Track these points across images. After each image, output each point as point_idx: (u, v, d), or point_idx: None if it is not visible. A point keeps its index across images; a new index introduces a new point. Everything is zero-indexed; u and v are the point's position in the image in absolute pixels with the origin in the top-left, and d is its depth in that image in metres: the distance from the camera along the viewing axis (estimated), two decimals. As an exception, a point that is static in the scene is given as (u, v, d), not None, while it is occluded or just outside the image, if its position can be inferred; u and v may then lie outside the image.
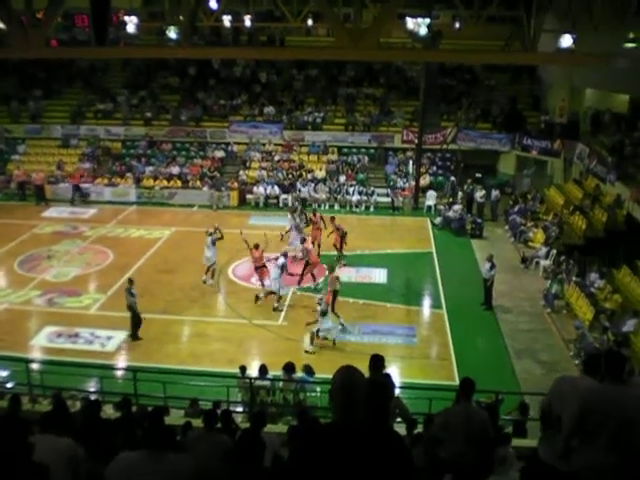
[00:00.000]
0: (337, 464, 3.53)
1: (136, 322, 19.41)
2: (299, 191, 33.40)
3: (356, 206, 32.86)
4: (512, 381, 17.27)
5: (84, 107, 38.18)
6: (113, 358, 18.48)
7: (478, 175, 33.12)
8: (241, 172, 34.59)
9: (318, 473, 3.57)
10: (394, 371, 17.68)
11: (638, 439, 5.17)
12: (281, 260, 21.65)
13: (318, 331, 19.14)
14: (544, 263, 24.83)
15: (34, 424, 6.09)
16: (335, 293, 20.66)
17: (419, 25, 22.45)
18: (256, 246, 21.99)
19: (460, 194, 31.66)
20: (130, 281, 19.70)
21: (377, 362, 8.05)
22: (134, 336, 19.45)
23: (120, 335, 19.61)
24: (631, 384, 5.53)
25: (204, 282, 23.04)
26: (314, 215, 26.99)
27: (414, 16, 26.19)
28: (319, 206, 32.78)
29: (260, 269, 22.22)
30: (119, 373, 17.49)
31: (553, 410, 5.89)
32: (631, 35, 21.30)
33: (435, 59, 28.31)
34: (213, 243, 22.94)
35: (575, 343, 19.00)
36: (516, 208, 30.43)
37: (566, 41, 16.23)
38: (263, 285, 22.23)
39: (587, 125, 33.09)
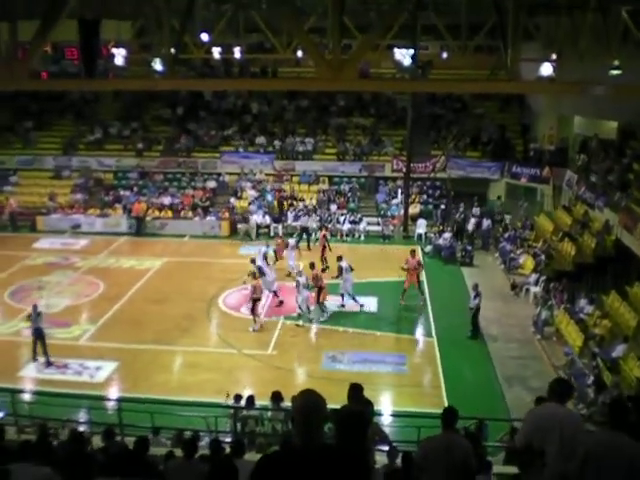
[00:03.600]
0: None
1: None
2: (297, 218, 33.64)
3: (347, 235, 32.95)
4: (502, 408, 17.21)
5: (76, 138, 38.42)
6: (102, 389, 18.39)
7: (476, 206, 33.21)
8: (232, 200, 34.75)
9: None
10: (384, 399, 17.71)
11: None
12: (302, 279, 22.48)
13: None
14: (534, 290, 24.89)
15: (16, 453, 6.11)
16: (320, 289, 22.15)
17: (404, 56, 22.74)
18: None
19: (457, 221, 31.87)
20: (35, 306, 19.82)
21: (355, 391, 8.10)
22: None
23: (109, 366, 19.55)
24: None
25: None
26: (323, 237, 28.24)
27: (401, 47, 26.54)
28: (310, 235, 32.95)
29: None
30: (107, 404, 17.39)
31: (535, 445, 6.03)
32: (616, 63, 21.55)
33: (418, 89, 28.66)
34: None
35: (565, 369, 19.00)
36: (506, 235, 30.58)
37: (546, 69, 16.46)
38: (254, 315, 22.29)
39: (576, 152, 33.37)
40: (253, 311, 22.41)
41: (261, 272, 23.81)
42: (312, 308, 22.73)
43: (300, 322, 22.79)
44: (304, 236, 31.42)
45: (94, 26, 17.00)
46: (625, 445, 5.45)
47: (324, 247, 28.32)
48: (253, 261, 24.67)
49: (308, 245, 30.62)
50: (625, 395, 14.78)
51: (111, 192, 35.81)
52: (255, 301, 22.39)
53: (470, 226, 31.48)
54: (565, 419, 6.13)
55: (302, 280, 22.63)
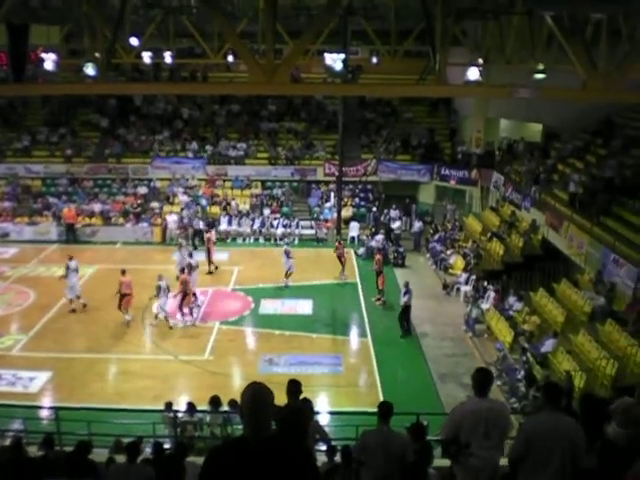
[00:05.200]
0: (245, 477, 3.68)
1: None
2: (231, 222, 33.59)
3: (280, 239, 33.06)
4: (437, 404, 17.56)
5: (3, 145, 37.50)
6: (36, 399, 18.06)
7: (394, 208, 33.78)
8: (164, 208, 34.53)
9: None
10: (322, 400, 17.88)
11: (580, 462, 5.75)
12: (163, 283, 22.68)
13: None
14: (464, 289, 25.46)
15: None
16: (185, 295, 22.80)
17: (334, 60, 23.04)
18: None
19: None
20: None
21: (294, 387, 8.27)
22: None
23: (44, 376, 19.22)
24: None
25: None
26: (339, 244, 28.35)
27: (332, 52, 26.81)
28: (243, 240, 33.07)
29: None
30: (43, 413, 17.10)
31: (462, 438, 6.43)
32: (541, 66, 22.29)
33: (350, 92, 29.03)
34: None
35: (496, 365, 19.51)
36: (436, 237, 31.18)
37: (473, 74, 16.91)
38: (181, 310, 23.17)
39: (502, 154, 34.27)
40: (180, 305, 22.93)
41: (192, 268, 24.19)
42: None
43: (154, 321, 23.10)
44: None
45: (22, 31, 16.79)
46: (563, 422, 5.83)
47: (209, 250, 28.36)
48: (190, 255, 25.45)
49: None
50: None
51: (40, 199, 35.07)
52: (184, 295, 22.82)
53: (396, 229, 31.96)
54: (488, 411, 6.55)
55: (162, 284, 22.64)
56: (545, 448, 5.79)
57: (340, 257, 27.72)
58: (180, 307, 23.12)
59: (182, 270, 24.27)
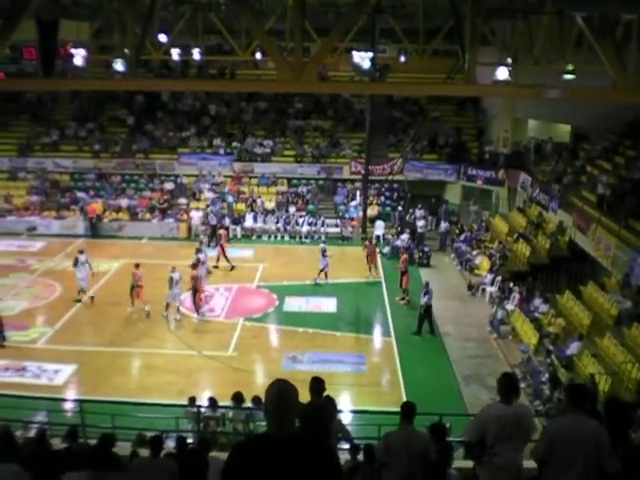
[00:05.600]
0: (268, 473, 3.68)
1: None
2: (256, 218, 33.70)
3: (306, 237, 33.08)
4: (460, 405, 17.48)
5: (32, 140, 37.92)
6: (61, 391, 18.23)
7: (419, 208, 33.66)
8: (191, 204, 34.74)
9: None
10: (344, 399, 17.84)
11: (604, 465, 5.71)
12: (176, 275, 23.18)
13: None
14: (490, 290, 25.30)
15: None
16: (195, 291, 23.19)
17: (362, 59, 23.02)
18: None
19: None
20: None
21: (317, 385, 8.21)
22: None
23: (68, 368, 19.39)
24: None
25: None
26: (370, 242, 28.47)
27: (360, 50, 26.81)
28: (269, 237, 33.12)
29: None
30: (67, 405, 17.26)
31: (487, 440, 6.44)
32: (570, 67, 22.09)
33: (378, 91, 28.99)
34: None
35: (521, 367, 19.38)
36: (462, 237, 31.02)
37: (502, 73, 16.79)
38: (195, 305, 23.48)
39: (530, 155, 34.01)
40: (194, 302, 23.31)
41: (198, 263, 24.40)
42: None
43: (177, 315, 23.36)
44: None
45: (52, 26, 16.91)
46: (586, 425, 5.79)
47: (222, 247, 28.61)
48: (198, 251, 25.70)
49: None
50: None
51: (67, 194, 35.41)
52: (195, 292, 23.16)
53: (420, 228, 31.82)
54: (513, 416, 6.55)
55: (175, 276, 23.11)
56: (568, 451, 5.76)
57: (369, 256, 27.68)
58: (194, 303, 23.38)
59: (193, 266, 24.35)
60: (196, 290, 23.23)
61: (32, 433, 11.42)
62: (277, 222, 33.59)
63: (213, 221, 32.26)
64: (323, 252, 26.62)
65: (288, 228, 33.43)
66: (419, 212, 33.25)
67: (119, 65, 18.27)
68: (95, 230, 33.10)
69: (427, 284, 22.70)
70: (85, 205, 34.03)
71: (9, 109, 39.45)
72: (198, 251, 25.86)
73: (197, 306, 23.39)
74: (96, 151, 37.35)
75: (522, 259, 26.29)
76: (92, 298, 24.49)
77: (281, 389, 3.89)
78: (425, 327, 22.41)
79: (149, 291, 23.45)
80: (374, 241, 29.15)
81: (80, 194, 35.29)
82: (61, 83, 20.55)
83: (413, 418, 7.88)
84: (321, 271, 26.56)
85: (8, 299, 24.71)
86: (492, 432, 6.49)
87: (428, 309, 22.34)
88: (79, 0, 26.13)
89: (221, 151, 37.38)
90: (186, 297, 23.75)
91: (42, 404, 16.00)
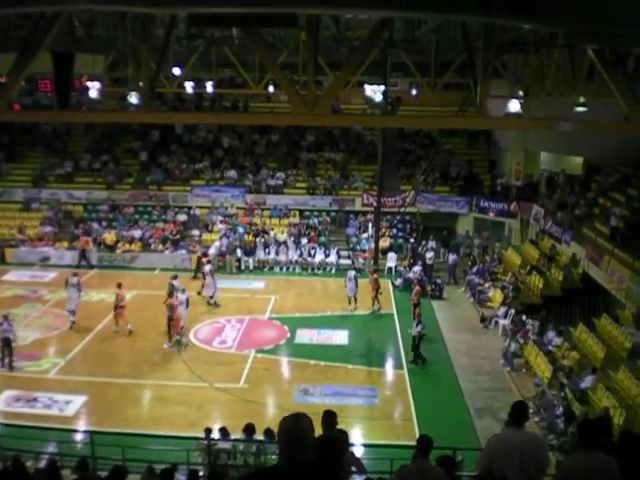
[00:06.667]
0: None
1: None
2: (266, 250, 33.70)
3: (318, 268, 33.07)
4: (473, 439, 17.27)
5: (46, 171, 38.30)
6: (72, 422, 18.17)
7: (431, 239, 33.65)
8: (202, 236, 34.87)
9: None
10: (356, 432, 17.70)
11: None
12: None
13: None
14: (503, 322, 25.15)
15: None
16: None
17: (374, 92, 23.20)
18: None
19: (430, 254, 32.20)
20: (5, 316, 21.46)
21: (329, 419, 8.11)
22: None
23: (79, 399, 19.35)
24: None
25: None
26: (375, 277, 27.92)
27: (372, 83, 27.02)
28: (280, 269, 33.11)
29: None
30: (77, 437, 17.20)
31: (495, 470, 6.37)
32: (582, 100, 22.18)
33: (390, 124, 29.07)
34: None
35: (534, 400, 19.18)
36: (474, 269, 30.92)
37: (514, 106, 16.89)
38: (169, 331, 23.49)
39: (542, 187, 34.02)
40: (169, 329, 23.38)
41: (172, 292, 24.32)
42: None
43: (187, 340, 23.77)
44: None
45: (68, 59, 17.10)
46: (598, 460, 5.74)
47: (204, 275, 28.73)
48: (175, 277, 25.72)
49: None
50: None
51: (81, 225, 35.62)
52: (170, 320, 23.23)
53: (428, 259, 31.70)
54: (523, 442, 6.53)
55: (176, 284, 24.39)
56: None
57: (372, 287, 27.56)
58: (168, 331, 23.40)
59: (169, 294, 24.23)
60: (170, 318, 23.22)
61: (43, 464, 11.39)
62: (290, 253, 33.51)
63: (212, 250, 32.36)
64: (350, 279, 27.03)
65: (300, 260, 33.43)
66: (431, 243, 33.20)
67: (133, 98, 18.48)
68: (87, 261, 33.11)
69: (419, 314, 22.94)
70: (99, 236, 34.23)
71: (24, 140, 39.97)
72: (174, 277, 25.82)
73: (170, 334, 23.33)
74: (110, 182, 37.64)
75: (535, 291, 26.17)
76: (73, 322, 24.85)
77: (294, 423, 3.87)
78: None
79: (161, 320, 23.51)
80: (376, 275, 28.71)
81: (94, 225, 35.47)
82: (76, 115, 20.77)
83: (429, 453, 7.80)
84: (353, 299, 27.10)
85: (20, 329, 24.65)
86: (501, 457, 6.43)
87: (420, 338, 22.46)
88: (94, 33, 26.43)
89: (234, 183, 37.56)
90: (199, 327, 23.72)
91: (53, 435, 16.00)
